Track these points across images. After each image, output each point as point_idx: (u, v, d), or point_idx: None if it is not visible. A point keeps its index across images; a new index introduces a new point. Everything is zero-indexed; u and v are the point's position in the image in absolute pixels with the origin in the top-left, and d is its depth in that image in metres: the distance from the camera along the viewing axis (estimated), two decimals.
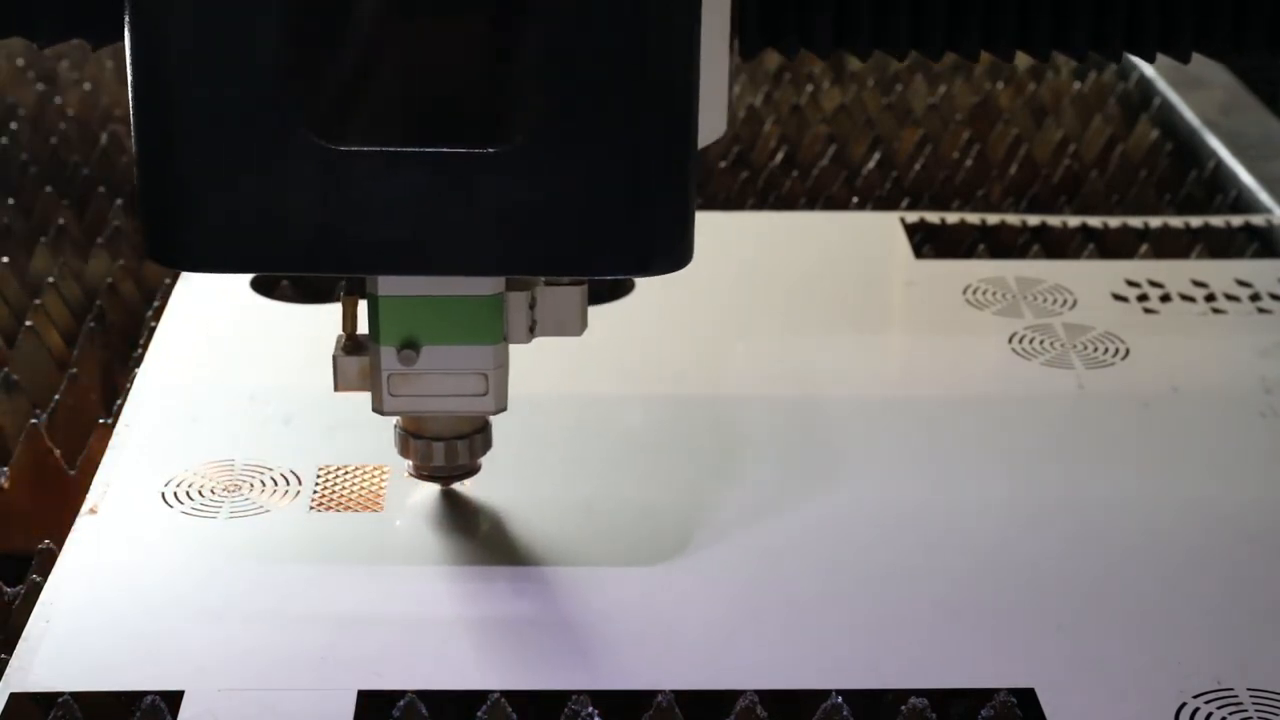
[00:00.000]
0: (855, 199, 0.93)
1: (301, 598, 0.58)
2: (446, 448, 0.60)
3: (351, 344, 0.59)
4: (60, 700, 0.53)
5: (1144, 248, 0.86)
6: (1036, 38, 0.62)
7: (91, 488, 0.63)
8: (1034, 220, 0.87)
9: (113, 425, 0.67)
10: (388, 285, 0.57)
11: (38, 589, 0.58)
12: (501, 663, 0.55)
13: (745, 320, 0.76)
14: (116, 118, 1.00)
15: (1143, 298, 0.79)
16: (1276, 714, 0.53)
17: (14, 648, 0.55)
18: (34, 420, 0.68)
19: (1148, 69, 1.08)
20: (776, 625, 0.57)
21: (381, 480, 0.64)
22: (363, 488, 0.63)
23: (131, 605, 0.57)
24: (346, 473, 0.64)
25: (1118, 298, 0.79)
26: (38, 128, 0.99)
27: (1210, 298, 0.79)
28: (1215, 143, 0.97)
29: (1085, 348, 0.74)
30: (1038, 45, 0.62)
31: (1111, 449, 0.68)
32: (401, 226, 0.52)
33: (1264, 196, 0.91)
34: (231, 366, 0.72)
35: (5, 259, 0.82)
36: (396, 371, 0.58)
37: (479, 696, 0.54)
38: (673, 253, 0.53)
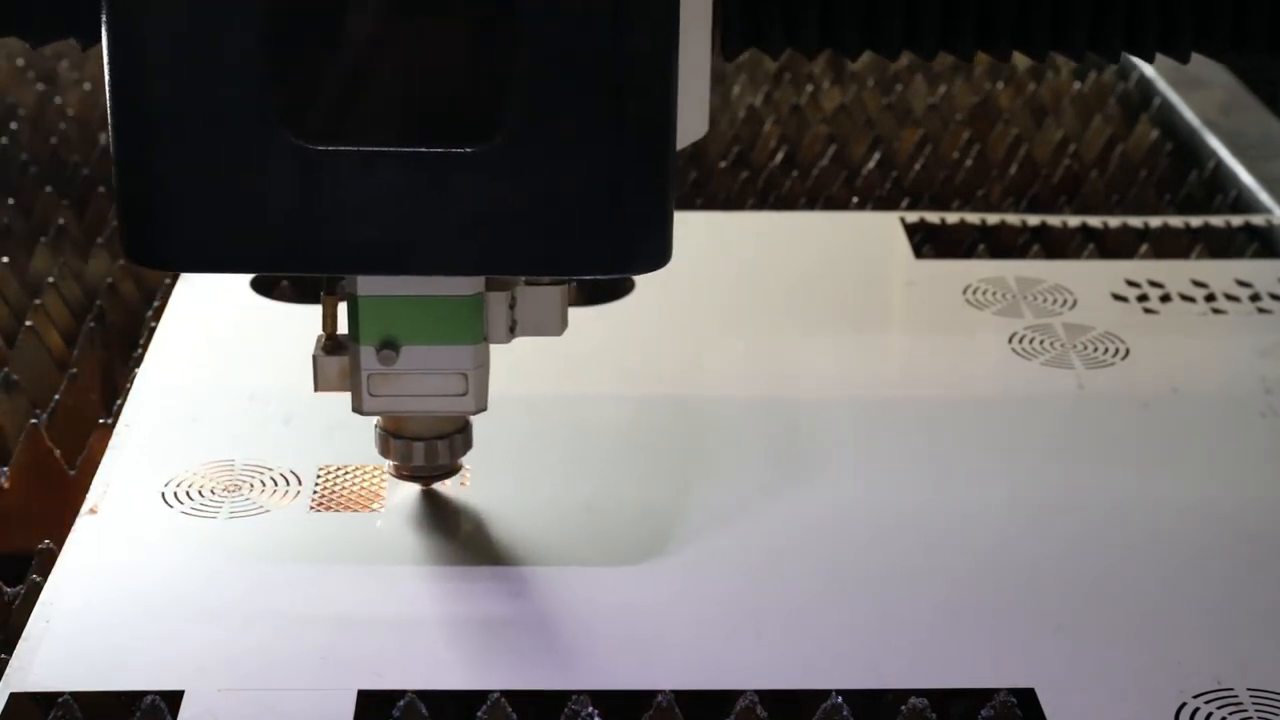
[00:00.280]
0: (855, 199, 0.93)
1: (301, 598, 0.58)
2: (427, 448, 0.60)
3: (331, 344, 0.59)
4: (60, 700, 0.53)
5: (1144, 248, 0.86)
6: (1034, 38, 0.62)
7: (91, 488, 0.63)
8: (1034, 220, 0.87)
9: (113, 425, 0.67)
10: (367, 285, 0.56)
11: (38, 589, 0.58)
12: (501, 663, 0.55)
13: (745, 320, 0.76)
14: None
15: (1143, 298, 0.79)
16: (1276, 714, 0.53)
17: (14, 648, 0.55)
18: (34, 420, 0.68)
19: (1148, 69, 1.08)
20: (776, 625, 0.57)
21: (381, 480, 0.64)
22: (362, 488, 0.63)
23: (131, 605, 0.57)
24: (346, 473, 0.64)
25: (1118, 298, 0.79)
26: (38, 128, 0.99)
27: (1210, 298, 0.79)
28: (1215, 143, 0.97)
29: (1085, 348, 0.74)
30: (1036, 45, 0.62)
31: (1111, 449, 0.68)
32: (380, 226, 0.52)
33: (1264, 196, 0.91)
34: (231, 366, 0.72)
35: (5, 259, 0.82)
36: (376, 371, 0.57)
37: (479, 696, 0.54)
38: (653, 252, 0.53)
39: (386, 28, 0.51)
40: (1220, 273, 0.82)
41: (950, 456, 0.67)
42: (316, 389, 0.59)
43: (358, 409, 0.58)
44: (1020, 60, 1.09)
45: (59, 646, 0.55)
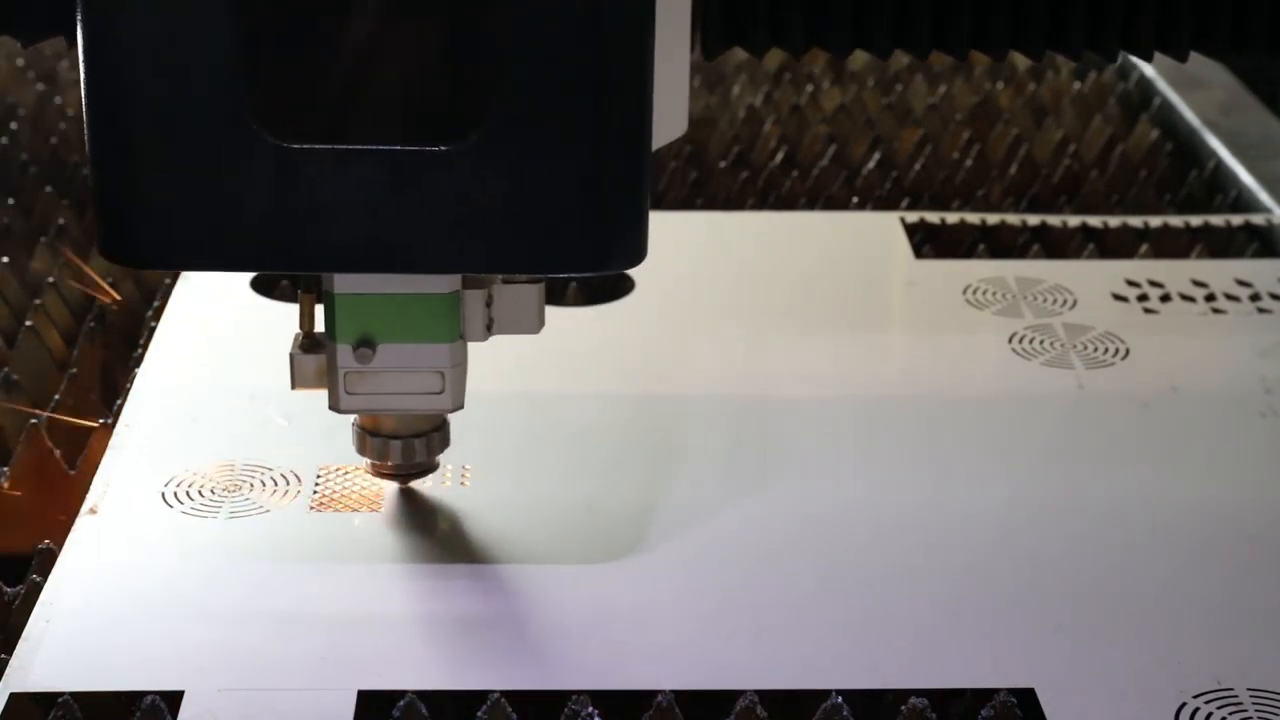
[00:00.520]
0: (855, 199, 0.93)
1: (301, 598, 0.58)
2: (404, 446, 0.60)
3: (308, 342, 0.59)
4: (60, 700, 0.53)
5: (1144, 248, 0.86)
6: (1031, 37, 0.62)
7: (91, 488, 0.63)
8: (1034, 220, 0.87)
9: (113, 425, 0.67)
10: (343, 283, 0.56)
11: (38, 589, 0.58)
12: (502, 663, 0.55)
13: (745, 320, 0.76)
14: None
15: (1143, 298, 0.79)
16: (1276, 714, 0.53)
17: (14, 648, 0.55)
18: (34, 420, 0.68)
19: (1147, 69, 1.08)
20: (776, 625, 0.57)
21: (381, 480, 0.63)
22: (363, 488, 0.63)
23: (131, 605, 0.57)
24: (346, 473, 0.64)
25: (1118, 298, 0.79)
26: (38, 128, 0.99)
27: (1210, 298, 0.79)
28: (1215, 143, 0.97)
29: (1085, 348, 0.74)
30: (1033, 45, 0.62)
31: (1111, 449, 0.68)
32: (356, 224, 0.52)
33: (1264, 196, 0.91)
34: (231, 366, 0.72)
35: (5, 259, 0.82)
36: (353, 369, 0.57)
37: (479, 696, 0.54)
38: (628, 250, 0.53)
39: (363, 26, 0.50)
40: (1220, 273, 0.82)
41: (950, 456, 0.67)
42: (294, 387, 0.59)
43: (335, 407, 0.58)
44: (1020, 60, 1.09)
45: (59, 646, 0.55)
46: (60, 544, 0.60)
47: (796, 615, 0.57)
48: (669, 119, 0.54)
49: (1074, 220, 0.87)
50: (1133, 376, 0.72)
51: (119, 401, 0.70)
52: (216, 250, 0.52)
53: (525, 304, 0.58)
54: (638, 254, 0.53)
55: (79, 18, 0.50)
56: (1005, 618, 0.57)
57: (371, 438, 0.60)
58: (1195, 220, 0.88)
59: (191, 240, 0.52)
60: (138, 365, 0.72)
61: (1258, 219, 0.88)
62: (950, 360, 0.74)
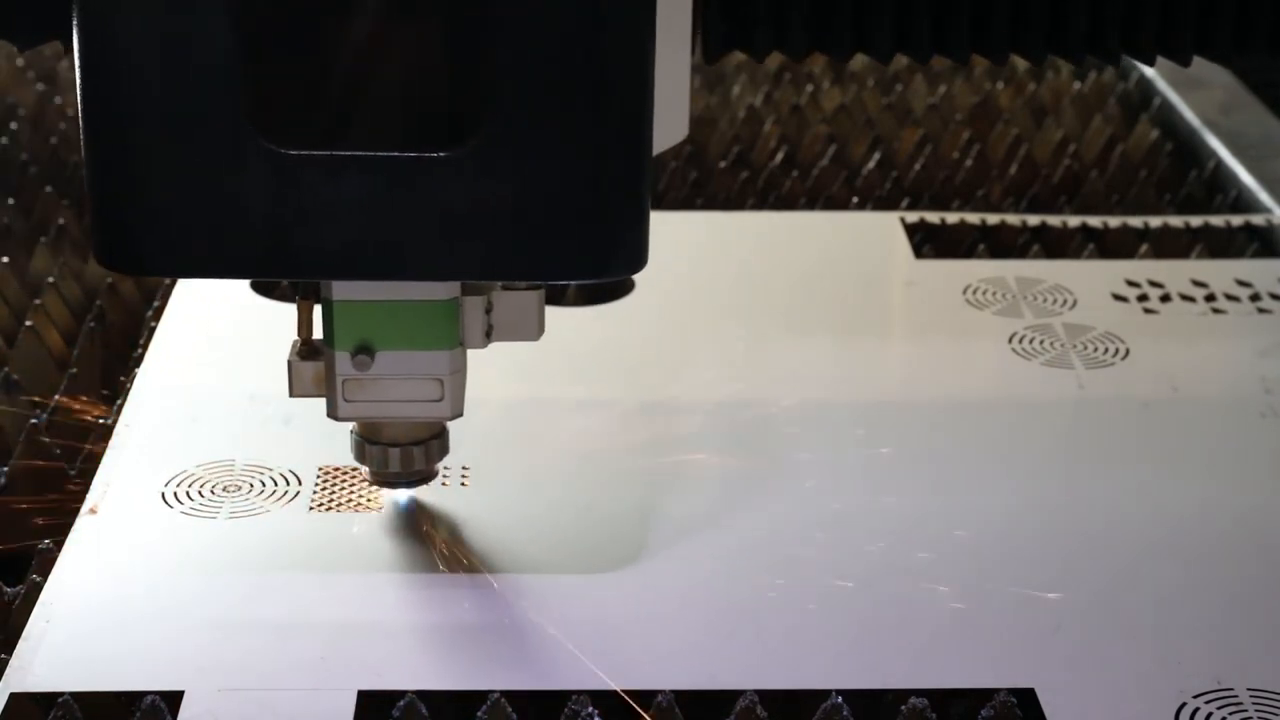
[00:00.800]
0: (855, 199, 0.92)
1: (301, 598, 0.58)
2: (403, 453, 0.60)
3: (306, 349, 0.58)
4: (60, 700, 0.53)
5: (1144, 248, 0.86)
6: (1031, 41, 0.62)
7: (91, 488, 0.63)
8: (1034, 220, 0.87)
9: (113, 425, 0.67)
10: (342, 289, 0.56)
11: (38, 589, 0.58)
12: (501, 663, 0.55)
13: (745, 320, 0.76)
14: None
15: (1143, 298, 0.79)
16: (1276, 714, 0.53)
17: (14, 648, 0.55)
18: (34, 420, 0.68)
19: (1148, 69, 1.08)
20: (776, 625, 0.57)
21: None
22: (362, 489, 0.63)
23: (131, 605, 0.57)
24: (346, 473, 0.64)
25: (1118, 298, 0.79)
26: (38, 128, 0.99)
27: (1210, 298, 0.79)
28: (1215, 143, 0.97)
29: (1085, 348, 0.74)
30: (1033, 48, 0.62)
31: (1111, 449, 0.68)
32: (354, 231, 0.51)
33: (1264, 196, 0.91)
34: (231, 366, 0.72)
35: (5, 259, 0.82)
36: (351, 377, 0.57)
37: (479, 696, 0.54)
38: (629, 256, 0.52)
39: (361, 31, 0.50)
40: (1220, 273, 0.82)
41: (950, 457, 0.67)
42: (292, 394, 0.59)
43: (333, 415, 0.58)
44: (1020, 60, 1.09)
45: (59, 646, 0.55)
46: (60, 544, 0.60)
47: (796, 615, 0.57)
48: (670, 123, 0.54)
49: (1074, 220, 0.87)
50: (1133, 376, 0.72)
51: (119, 401, 0.70)
52: (213, 257, 0.52)
53: (525, 311, 0.58)
54: (639, 260, 0.53)
55: (74, 23, 0.50)
56: (1005, 618, 0.57)
57: (370, 445, 0.60)
58: (1195, 220, 0.88)
59: (188, 247, 0.51)
60: (138, 365, 0.72)
61: (1258, 219, 0.88)
62: (950, 360, 0.74)
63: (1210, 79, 1.07)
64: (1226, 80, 1.07)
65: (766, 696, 0.54)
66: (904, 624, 0.57)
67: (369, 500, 0.63)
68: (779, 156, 0.97)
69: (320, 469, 0.64)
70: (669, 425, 0.68)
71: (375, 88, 0.51)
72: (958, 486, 0.65)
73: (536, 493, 0.64)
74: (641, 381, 0.71)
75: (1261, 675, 0.55)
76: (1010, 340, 0.75)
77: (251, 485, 0.64)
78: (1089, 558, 0.61)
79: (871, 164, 0.96)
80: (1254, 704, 0.54)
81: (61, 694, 0.53)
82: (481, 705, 0.53)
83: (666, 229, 0.76)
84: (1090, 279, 0.80)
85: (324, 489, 0.63)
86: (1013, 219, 0.87)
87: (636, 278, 0.77)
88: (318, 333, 0.58)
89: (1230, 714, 0.53)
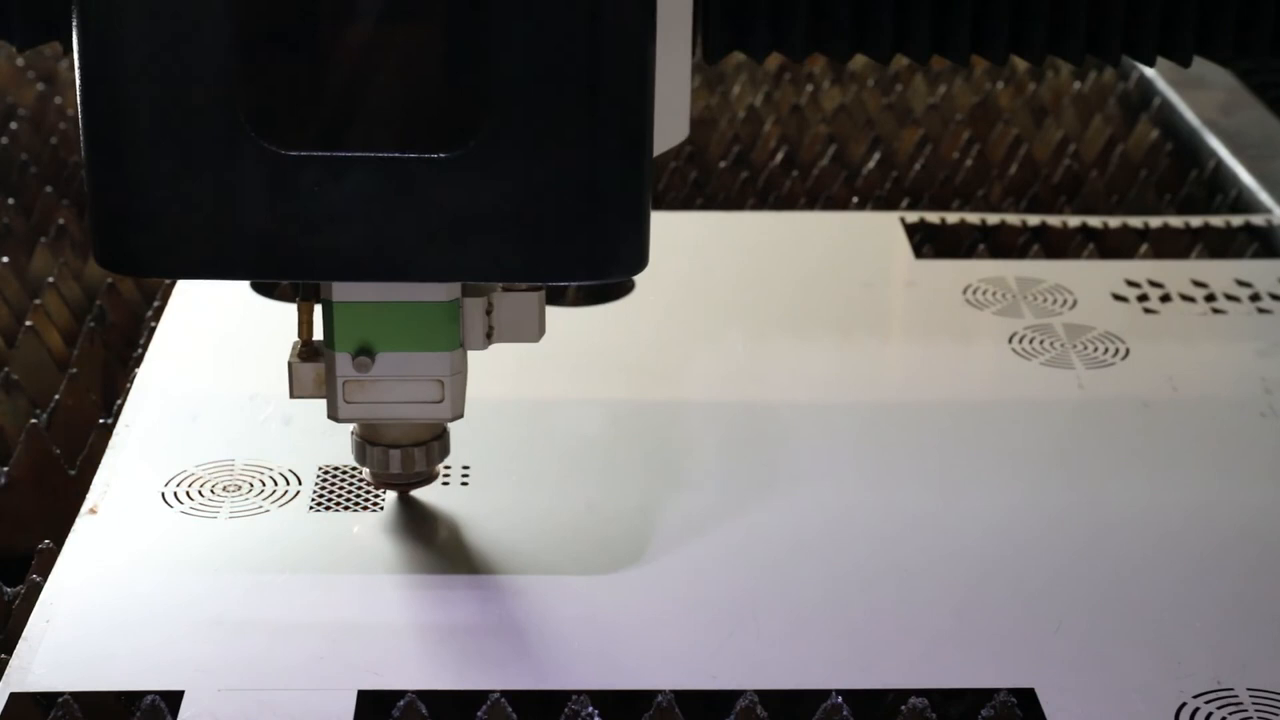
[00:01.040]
0: (855, 199, 0.93)
1: (301, 598, 0.58)
2: (404, 455, 0.60)
3: (307, 350, 0.58)
4: (60, 700, 0.53)
5: (1144, 248, 0.86)
6: (1033, 42, 0.62)
7: (91, 488, 0.63)
8: (1034, 220, 0.87)
9: (113, 425, 0.67)
10: (342, 291, 0.56)
11: (38, 589, 0.58)
12: (502, 663, 0.55)
13: (745, 321, 0.76)
14: None
15: (1143, 298, 0.79)
16: (1276, 714, 0.53)
17: (14, 648, 0.55)
18: (34, 420, 0.68)
19: (1148, 69, 1.08)
20: (776, 625, 0.57)
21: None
22: (362, 488, 0.63)
23: (131, 605, 0.57)
24: (346, 473, 0.64)
25: (1118, 298, 0.79)
26: (38, 128, 0.99)
27: (1210, 298, 0.79)
28: (1215, 143, 0.97)
29: (1085, 348, 0.74)
30: (1034, 49, 0.62)
31: (1111, 449, 0.68)
32: (354, 232, 0.51)
33: (1264, 196, 0.91)
34: (231, 366, 0.72)
35: (5, 259, 0.82)
36: (352, 378, 0.57)
37: (479, 696, 0.54)
38: (629, 257, 0.53)
39: (360, 33, 0.50)
40: (1220, 273, 0.82)
41: (949, 457, 0.67)
42: (292, 395, 0.59)
43: (334, 416, 0.58)
44: (1020, 60, 1.09)
45: (59, 646, 0.55)
46: (60, 544, 0.60)
47: (796, 615, 0.57)
48: (670, 124, 0.54)
49: (1074, 220, 0.87)
50: (1133, 376, 0.72)
51: (119, 401, 0.70)
52: (214, 258, 0.52)
53: (525, 312, 0.58)
54: (639, 261, 0.53)
55: (75, 25, 0.50)
56: (1005, 618, 0.57)
57: (371, 447, 0.60)
58: (1195, 220, 0.88)
59: (189, 248, 0.52)
60: (138, 365, 0.72)
61: (1258, 219, 0.88)
62: (950, 360, 0.74)
63: (1211, 79, 1.07)
64: (1227, 80, 1.08)
65: (766, 696, 0.54)
66: (904, 624, 0.57)
67: (369, 500, 0.63)
68: (779, 156, 0.97)
69: (320, 469, 0.64)
70: (669, 425, 0.68)
71: (375, 89, 0.51)
72: (958, 486, 0.65)
73: (536, 493, 0.64)
74: (641, 381, 0.71)
75: (1261, 675, 0.55)
76: (1010, 340, 0.75)
77: (251, 485, 0.64)
78: (1089, 558, 0.61)
79: (871, 164, 0.96)
80: (1254, 704, 0.54)
81: (61, 694, 0.53)
82: (481, 705, 0.53)
83: (666, 229, 0.76)
84: (1090, 279, 0.80)
85: (324, 489, 0.63)
86: (1013, 219, 0.87)
87: (636, 278, 0.77)
88: (318, 334, 0.58)
89: (1230, 714, 0.53)
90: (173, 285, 0.78)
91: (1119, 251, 0.86)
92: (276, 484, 0.64)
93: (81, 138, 0.51)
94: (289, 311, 0.76)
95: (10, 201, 0.88)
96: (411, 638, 0.56)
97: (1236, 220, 0.88)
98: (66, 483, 0.67)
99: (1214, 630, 0.57)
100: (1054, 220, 0.87)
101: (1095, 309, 0.78)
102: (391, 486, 0.62)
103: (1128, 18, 0.62)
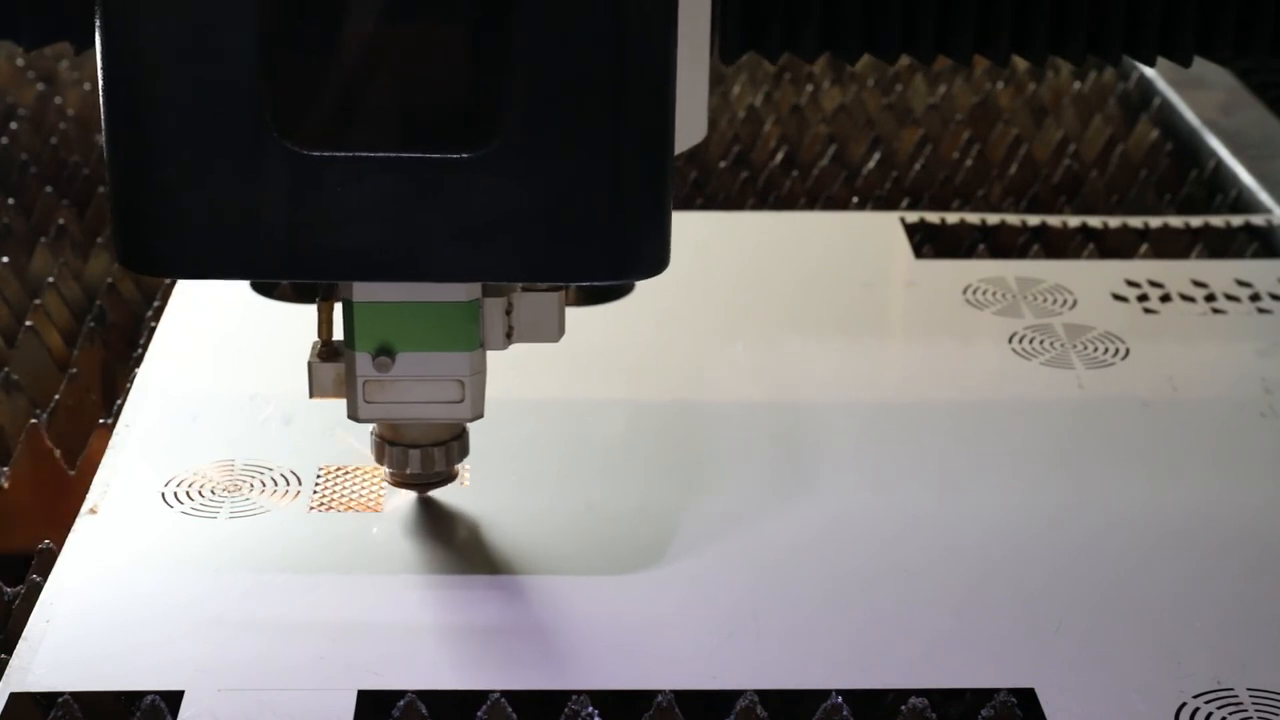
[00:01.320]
0: (855, 199, 0.93)
1: (301, 598, 0.58)
2: (423, 455, 0.60)
3: (327, 350, 0.58)
4: (60, 700, 0.53)
5: (1144, 248, 0.86)
6: (1034, 42, 0.62)
7: (91, 488, 0.63)
8: (1034, 220, 0.87)
9: (113, 425, 0.67)
10: (363, 291, 0.56)
11: (38, 589, 0.58)
12: (501, 663, 0.55)
13: (745, 321, 0.76)
14: None
15: (1143, 298, 0.79)
16: (1276, 714, 0.53)
17: (14, 648, 0.55)
18: (34, 420, 0.68)
19: (1148, 69, 1.08)
20: (776, 625, 0.57)
21: (381, 481, 0.63)
22: (362, 488, 0.63)
23: (131, 605, 0.57)
24: (346, 473, 0.64)
25: (1118, 298, 0.79)
26: (38, 128, 0.99)
27: (1210, 298, 0.79)
28: (1215, 143, 0.97)
29: (1085, 348, 0.74)
30: (1035, 49, 0.62)
31: (1111, 449, 0.68)
32: (376, 233, 0.51)
33: (1264, 196, 0.91)
34: (231, 366, 0.72)
35: (5, 259, 0.82)
36: (372, 378, 0.57)
37: (479, 696, 0.54)
38: (651, 258, 0.53)
39: (383, 33, 0.50)
40: (1220, 273, 0.82)
41: (949, 457, 0.67)
42: (312, 396, 0.59)
43: (353, 416, 0.58)
44: (1020, 60, 1.09)
45: (59, 646, 0.55)
46: (60, 544, 0.60)
47: (796, 615, 0.57)
48: (689, 124, 0.54)
49: (1074, 220, 0.87)
50: (1133, 376, 0.72)
51: (119, 401, 0.70)
52: (236, 259, 0.52)
53: (545, 312, 0.58)
54: (661, 261, 0.53)
55: (98, 25, 0.50)
56: (1005, 618, 0.57)
57: (390, 447, 0.60)
58: (1195, 220, 0.88)
59: (211, 249, 0.52)
60: (138, 365, 0.72)
61: (1258, 219, 0.88)
62: (950, 360, 0.74)
63: (1211, 79, 1.07)
64: (1227, 80, 1.08)
65: (766, 696, 0.54)
66: (904, 624, 0.57)
67: (369, 500, 0.63)
68: (779, 156, 0.97)
69: (320, 469, 0.64)
70: (668, 425, 0.68)
71: (398, 89, 0.51)
72: (958, 486, 0.65)
73: (536, 493, 0.64)
74: (641, 381, 0.71)
75: (1261, 675, 0.55)
76: (1010, 340, 0.75)
77: (251, 485, 0.64)
78: (1089, 558, 0.61)
79: (871, 164, 0.96)
80: (1254, 704, 0.54)
81: (61, 694, 0.53)
82: (481, 705, 0.53)
83: None
84: (1090, 279, 0.80)
85: (324, 489, 0.63)
86: (1013, 219, 0.87)
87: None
88: (338, 334, 0.58)
89: (1230, 714, 0.53)
90: (173, 285, 0.78)
91: (1119, 251, 0.86)
92: (276, 484, 0.64)
93: (104, 138, 0.51)
94: (289, 311, 0.76)
95: (10, 201, 0.88)
96: (412, 638, 0.56)
97: (1236, 220, 0.88)
98: (66, 483, 0.67)
99: (1214, 630, 0.57)
100: (1054, 220, 0.87)
101: (1095, 309, 0.78)
102: (410, 486, 0.62)
103: (1128, 18, 0.62)
